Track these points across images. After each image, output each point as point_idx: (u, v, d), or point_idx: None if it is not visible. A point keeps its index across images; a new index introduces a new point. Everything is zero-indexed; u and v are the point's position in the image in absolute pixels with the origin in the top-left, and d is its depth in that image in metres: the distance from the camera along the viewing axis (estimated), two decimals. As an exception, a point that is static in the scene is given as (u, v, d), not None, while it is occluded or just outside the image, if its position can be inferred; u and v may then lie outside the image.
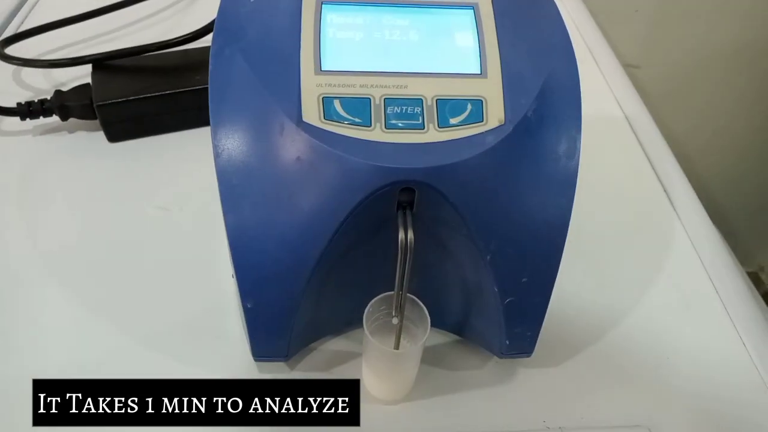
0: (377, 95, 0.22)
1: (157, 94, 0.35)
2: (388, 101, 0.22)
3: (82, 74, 0.38)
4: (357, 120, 0.22)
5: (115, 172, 0.35)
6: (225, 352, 0.27)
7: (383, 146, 0.21)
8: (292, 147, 0.21)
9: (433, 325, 0.28)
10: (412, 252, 0.21)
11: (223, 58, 0.23)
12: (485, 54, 0.23)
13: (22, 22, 0.45)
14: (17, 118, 0.36)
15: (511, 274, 0.23)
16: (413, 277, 0.23)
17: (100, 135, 0.36)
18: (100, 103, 0.34)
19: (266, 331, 0.24)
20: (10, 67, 0.40)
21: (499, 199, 0.22)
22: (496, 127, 0.22)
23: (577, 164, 0.23)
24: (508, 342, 0.25)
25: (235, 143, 0.22)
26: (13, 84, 0.40)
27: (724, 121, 1.02)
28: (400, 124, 0.22)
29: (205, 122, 0.36)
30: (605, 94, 0.44)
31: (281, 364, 0.27)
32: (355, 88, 0.22)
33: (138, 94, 0.35)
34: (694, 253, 0.33)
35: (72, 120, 0.37)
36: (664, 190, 0.37)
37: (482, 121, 0.22)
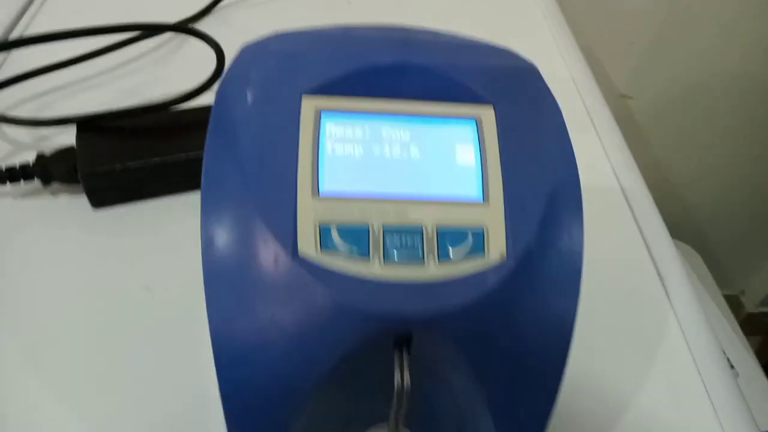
0: (376, 223, 0.21)
1: (145, 163, 0.34)
2: (387, 231, 0.21)
3: (67, 129, 0.37)
4: (355, 251, 0.21)
5: (97, 242, 0.34)
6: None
7: (381, 287, 0.20)
8: (286, 281, 0.20)
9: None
10: (409, 396, 0.21)
11: (218, 166, 0.22)
12: (487, 176, 0.23)
13: (4, 62, 0.43)
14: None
15: (508, 410, 0.23)
16: (409, 413, 0.22)
17: (84, 199, 0.35)
18: (86, 172, 0.33)
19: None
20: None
21: (500, 340, 0.21)
22: (498, 265, 0.21)
23: (578, 299, 0.22)
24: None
25: (226, 266, 0.21)
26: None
27: (712, 149, 1.03)
28: (399, 257, 0.21)
29: (195, 187, 0.35)
30: (600, 161, 0.44)
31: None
32: (353, 215, 0.21)
33: (125, 162, 0.34)
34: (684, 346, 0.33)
35: (55, 183, 0.35)
36: (659, 275, 0.37)
37: (483, 254, 0.21)
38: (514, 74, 0.25)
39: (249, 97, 0.23)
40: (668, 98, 0.94)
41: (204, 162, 0.23)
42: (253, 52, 0.25)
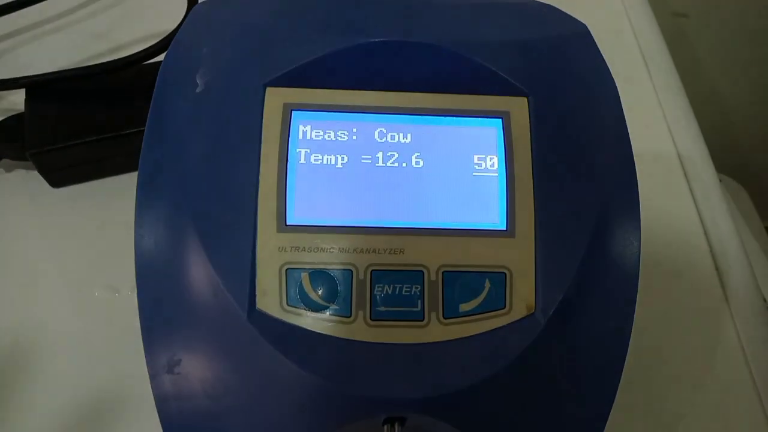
0: (362, 266, 0.16)
1: (106, 136, 0.29)
2: (377, 276, 0.16)
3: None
4: (332, 307, 0.16)
5: (57, 228, 0.29)
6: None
7: (366, 355, 0.15)
8: (240, 348, 0.16)
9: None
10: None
11: (156, 176, 0.17)
12: (513, 196, 0.17)
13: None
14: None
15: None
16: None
17: (41, 179, 0.30)
18: (34, 151, 0.28)
19: None
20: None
21: (521, 419, 0.16)
22: (522, 320, 0.16)
23: (623, 362, 0.17)
24: None
25: (165, 316, 0.16)
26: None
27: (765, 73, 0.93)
28: (391, 314, 0.16)
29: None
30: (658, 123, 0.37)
31: None
32: (332, 254, 0.16)
33: (82, 137, 0.28)
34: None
35: (7, 161, 0.30)
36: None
37: (504, 307, 0.16)
38: (557, 48, 0.18)
39: (198, 83, 0.18)
40: (729, 15, 0.83)
41: (140, 162, 0.17)
42: (206, 17, 0.19)
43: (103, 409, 0.25)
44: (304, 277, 0.16)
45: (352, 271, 0.16)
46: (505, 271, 0.16)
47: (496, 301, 0.16)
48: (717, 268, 0.31)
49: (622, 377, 0.17)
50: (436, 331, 0.16)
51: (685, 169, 0.35)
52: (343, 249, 0.16)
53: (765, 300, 0.31)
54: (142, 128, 0.29)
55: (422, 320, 0.16)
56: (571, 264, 0.16)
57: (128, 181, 0.31)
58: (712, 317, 0.30)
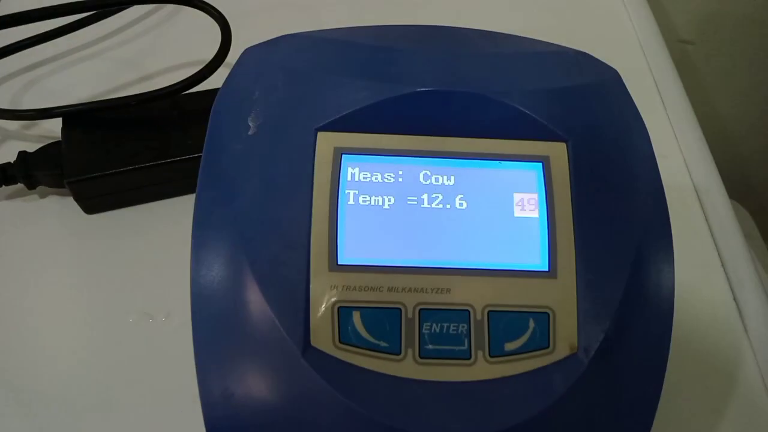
0: (410, 304, 0.17)
1: (141, 165, 0.29)
2: (425, 315, 0.17)
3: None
4: (383, 345, 0.16)
5: (90, 254, 0.30)
6: None
7: (415, 392, 0.16)
8: (294, 384, 0.16)
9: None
10: None
11: (211, 218, 0.18)
12: (555, 238, 0.18)
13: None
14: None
15: None
16: None
17: (76, 204, 0.31)
18: (72, 179, 0.29)
19: None
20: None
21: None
22: (566, 359, 0.17)
23: (661, 386, 0.18)
24: None
25: (221, 357, 0.17)
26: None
27: None
28: (439, 352, 0.17)
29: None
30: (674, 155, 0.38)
31: None
32: (381, 293, 0.17)
33: (118, 167, 0.29)
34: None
35: (41, 187, 0.31)
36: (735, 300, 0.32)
37: (548, 347, 0.17)
38: (593, 94, 0.19)
39: (251, 126, 0.18)
40: (730, 41, 0.84)
41: (195, 203, 0.18)
42: (257, 61, 0.20)
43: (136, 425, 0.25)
44: (356, 315, 0.16)
45: (401, 310, 0.17)
46: (549, 311, 0.17)
47: (541, 341, 0.17)
48: (735, 298, 0.32)
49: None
50: (482, 369, 0.16)
51: (700, 199, 0.36)
52: (392, 288, 0.17)
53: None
54: (176, 158, 0.30)
55: (469, 358, 0.16)
56: (612, 303, 0.17)
57: (161, 209, 0.32)
58: (731, 347, 0.30)
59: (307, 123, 0.18)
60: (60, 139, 0.30)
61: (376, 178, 0.18)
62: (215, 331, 0.17)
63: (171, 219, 0.31)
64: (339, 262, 0.17)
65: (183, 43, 0.38)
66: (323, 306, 0.16)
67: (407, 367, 0.16)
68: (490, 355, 0.16)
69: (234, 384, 0.16)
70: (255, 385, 0.16)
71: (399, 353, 0.16)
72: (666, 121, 0.39)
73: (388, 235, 0.17)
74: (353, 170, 0.18)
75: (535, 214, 0.18)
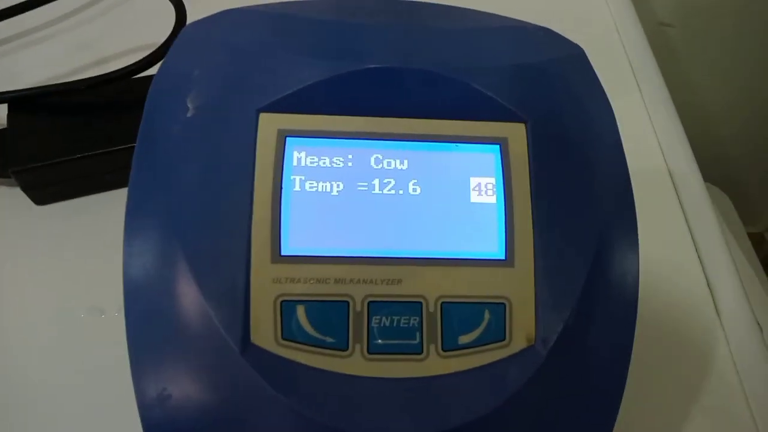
0: (358, 297, 0.16)
1: (91, 153, 0.28)
2: (374, 307, 0.16)
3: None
4: (329, 340, 0.15)
5: (41, 247, 0.28)
6: None
7: (364, 390, 0.15)
8: (232, 385, 0.15)
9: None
10: None
11: (145, 205, 0.17)
12: (513, 225, 0.17)
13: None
14: None
15: None
16: None
17: (25, 197, 0.29)
18: (16, 169, 0.27)
19: None
20: None
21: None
22: (523, 351, 0.16)
23: (626, 375, 0.17)
24: None
25: (155, 355, 0.16)
26: None
27: (746, 81, 0.95)
28: (389, 347, 0.16)
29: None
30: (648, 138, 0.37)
31: None
32: (328, 285, 0.16)
33: (67, 155, 0.28)
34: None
35: (-14, 176, 0.30)
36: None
37: (504, 339, 0.16)
38: (555, 72, 0.18)
39: (189, 107, 0.17)
40: (713, 25, 0.84)
41: (129, 188, 0.17)
42: (198, 38, 0.18)
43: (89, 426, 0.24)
44: (300, 310, 0.15)
45: (348, 303, 0.16)
46: (505, 302, 0.16)
47: (496, 333, 0.16)
48: (708, 284, 0.31)
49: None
50: (435, 364, 0.15)
51: (675, 183, 0.35)
52: (339, 280, 0.16)
53: (753, 312, 0.31)
54: (128, 145, 0.29)
55: (421, 353, 0.15)
56: (572, 293, 0.16)
57: (114, 199, 0.30)
58: (704, 332, 0.30)
59: (249, 103, 0.17)
60: (5, 127, 0.29)
61: (323, 163, 0.17)
62: (149, 327, 0.16)
63: (122, 207, 0.30)
64: (282, 253, 0.16)
65: (138, 26, 0.36)
66: (264, 300, 0.15)
67: (355, 363, 0.15)
68: (443, 349, 0.16)
69: (170, 384, 0.15)
70: (192, 385, 0.15)
71: (346, 349, 0.15)
72: (641, 104, 0.39)
73: (336, 223, 0.16)
74: (299, 154, 0.17)
75: (493, 200, 0.17)
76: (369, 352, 0.15)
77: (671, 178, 0.35)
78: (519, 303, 0.16)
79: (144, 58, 0.30)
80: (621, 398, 0.17)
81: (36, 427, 0.24)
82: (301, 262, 0.16)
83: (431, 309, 0.16)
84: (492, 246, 0.16)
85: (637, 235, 0.18)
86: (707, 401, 0.27)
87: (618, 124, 0.19)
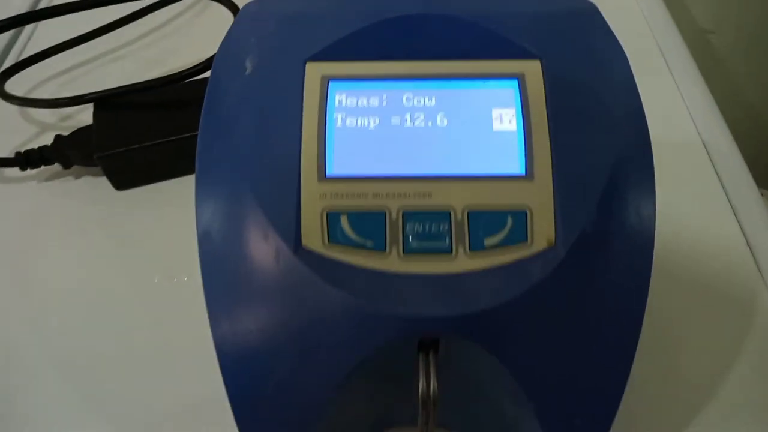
0: (394, 207, 0.18)
1: (164, 140, 0.32)
2: (408, 216, 0.18)
3: (88, 107, 0.35)
4: (368, 243, 0.18)
5: (120, 226, 0.32)
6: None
7: (400, 282, 0.17)
8: (288, 280, 0.17)
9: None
10: (437, 404, 0.18)
11: (212, 148, 0.19)
12: (532, 146, 0.19)
13: (24, 48, 0.42)
14: (21, 169, 0.33)
15: (560, 418, 0.19)
16: (440, 416, 0.19)
17: (107, 181, 0.33)
18: (101, 154, 0.31)
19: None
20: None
21: (547, 341, 0.18)
22: (544, 251, 0.18)
23: (647, 290, 0.18)
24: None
25: (223, 263, 0.18)
26: (18, 120, 0.37)
27: None
28: (422, 248, 0.18)
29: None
30: (678, 111, 0.38)
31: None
32: (366, 199, 0.18)
33: (143, 142, 0.31)
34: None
35: (77, 167, 0.34)
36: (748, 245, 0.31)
37: (526, 241, 0.18)
38: (567, 19, 0.20)
39: (247, 67, 0.20)
40: (756, 32, 0.83)
41: (198, 142, 0.20)
42: (253, 13, 0.22)
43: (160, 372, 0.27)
44: (343, 219, 0.18)
45: (385, 213, 0.18)
46: (526, 210, 0.18)
47: (519, 236, 0.18)
48: (747, 243, 0.32)
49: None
50: (463, 262, 0.17)
51: (708, 152, 0.36)
52: (376, 194, 0.18)
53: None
54: (195, 133, 0.32)
55: (450, 253, 0.17)
56: (589, 203, 0.18)
57: (183, 184, 0.34)
58: (745, 288, 0.30)
59: (297, 56, 0.20)
60: (91, 123, 0.33)
61: (361, 102, 0.19)
62: (218, 242, 0.18)
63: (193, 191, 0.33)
64: (327, 175, 0.18)
65: (206, 41, 0.41)
66: (312, 212, 0.18)
67: (392, 261, 0.17)
68: (470, 249, 0.17)
69: (238, 293, 0.18)
70: (254, 288, 0.18)
71: (384, 250, 0.17)
72: (672, 83, 0.40)
73: (373, 150, 0.19)
74: (340, 96, 0.19)
75: (513, 127, 0.19)
76: (404, 253, 0.17)
77: (705, 147, 0.36)
78: (539, 211, 0.18)
79: (205, 60, 0.34)
80: (645, 302, 0.18)
81: (125, 357, 0.28)
82: (343, 181, 0.18)
83: (459, 217, 0.18)
84: (513, 165, 0.18)
85: (651, 156, 0.19)
86: (751, 348, 0.28)
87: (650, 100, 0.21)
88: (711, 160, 0.35)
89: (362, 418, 0.22)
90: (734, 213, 0.33)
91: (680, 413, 0.25)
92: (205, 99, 0.20)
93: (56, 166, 0.33)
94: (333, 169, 0.18)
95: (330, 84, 0.19)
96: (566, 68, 0.20)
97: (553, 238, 0.17)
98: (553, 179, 0.18)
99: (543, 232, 0.18)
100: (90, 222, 0.33)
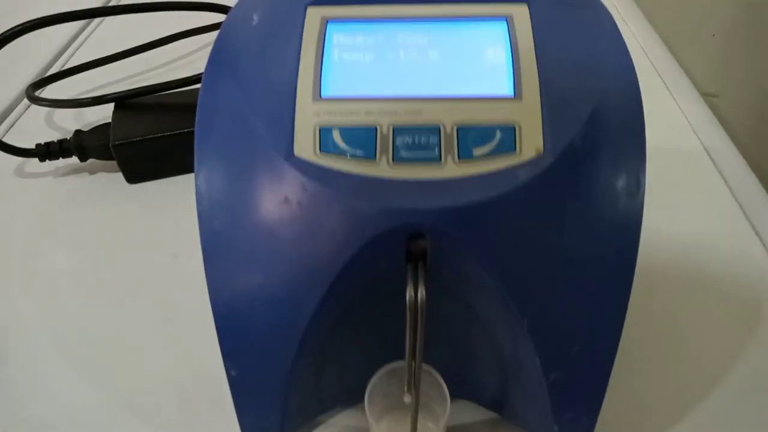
0: (385, 123, 0.18)
1: (175, 132, 0.33)
2: (398, 130, 0.18)
3: (110, 115, 0.37)
4: (359, 152, 0.18)
5: (129, 216, 0.33)
6: (217, 421, 0.24)
7: (388, 183, 0.17)
8: (280, 186, 0.18)
9: (465, 397, 0.23)
10: (425, 314, 0.17)
11: (214, 87, 0.20)
12: (520, 72, 0.19)
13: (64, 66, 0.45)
14: (40, 160, 0.35)
15: (556, 343, 0.18)
16: (433, 345, 0.19)
17: (120, 177, 0.35)
18: (117, 142, 0.32)
19: (255, 404, 0.20)
20: (42, 111, 0.40)
21: (538, 248, 0.17)
22: (533, 159, 0.18)
23: (642, 202, 0.18)
24: (557, 428, 0.20)
25: (218, 183, 0.19)
26: (45, 127, 0.39)
27: None
28: (411, 157, 0.18)
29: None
30: (681, 124, 0.39)
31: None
32: (359, 116, 0.19)
33: (155, 133, 0.33)
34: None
35: (92, 161, 0.35)
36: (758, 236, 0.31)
37: (514, 151, 0.18)
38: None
39: (254, 19, 0.22)
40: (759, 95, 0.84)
41: (201, 84, 0.21)
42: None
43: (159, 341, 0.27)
44: (335, 132, 0.18)
45: (376, 128, 0.18)
46: (515, 125, 0.18)
47: (508, 146, 0.18)
48: (758, 235, 0.31)
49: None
50: (452, 169, 0.17)
51: (711, 158, 0.36)
52: (368, 113, 0.18)
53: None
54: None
55: (440, 161, 0.18)
56: (577, 121, 0.18)
57: (188, 181, 0.35)
58: (757, 279, 0.29)
59: (299, 3, 0.21)
60: (110, 121, 0.35)
61: (357, 40, 0.20)
62: (216, 153, 0.19)
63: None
64: (322, 95, 0.19)
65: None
66: (306, 128, 0.18)
67: (382, 168, 0.17)
68: (459, 158, 0.18)
69: (229, 198, 0.18)
70: (248, 194, 0.18)
71: (374, 158, 0.18)
72: (671, 99, 0.41)
73: (367, 76, 0.19)
74: (338, 34, 0.20)
75: (502, 58, 0.20)
76: (394, 161, 0.18)
77: (708, 153, 0.36)
78: (528, 126, 0.18)
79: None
80: (641, 217, 0.18)
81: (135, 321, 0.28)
82: (336, 101, 0.19)
83: (448, 131, 0.18)
84: (502, 87, 0.19)
85: (638, 88, 0.20)
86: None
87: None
88: (714, 164, 0.35)
89: (352, 368, 0.21)
90: (743, 211, 0.32)
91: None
92: (211, 50, 0.22)
93: (74, 161, 0.35)
94: (328, 90, 0.19)
95: (329, 24, 0.20)
96: (552, 12, 0.20)
97: (542, 148, 0.18)
98: (541, 100, 0.18)
99: (532, 142, 0.18)
100: (104, 208, 0.34)
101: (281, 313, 0.18)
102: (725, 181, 0.34)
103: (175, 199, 0.34)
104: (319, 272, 0.17)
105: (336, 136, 0.18)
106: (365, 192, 0.17)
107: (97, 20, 0.51)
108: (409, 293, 0.17)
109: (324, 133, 0.18)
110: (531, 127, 0.18)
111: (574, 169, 0.18)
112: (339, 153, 0.18)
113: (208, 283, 0.19)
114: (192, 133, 0.32)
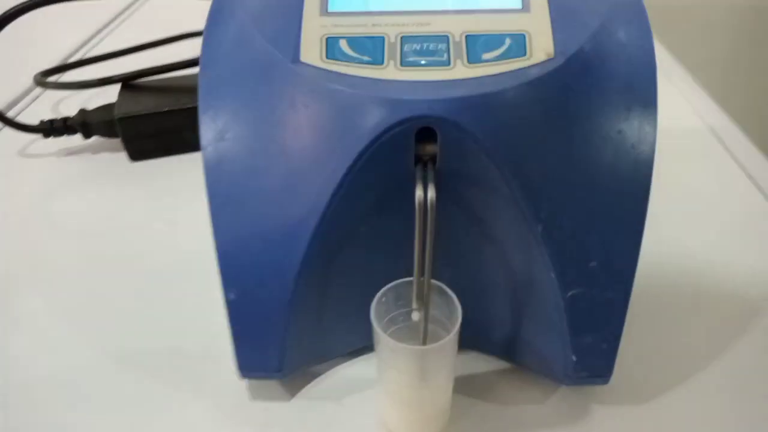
0: (393, 33, 0.18)
1: (178, 108, 0.33)
2: (406, 39, 0.18)
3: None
4: (366, 58, 0.18)
5: (131, 193, 0.32)
6: (211, 374, 0.22)
7: (396, 83, 0.17)
8: (285, 88, 0.17)
9: (475, 347, 0.22)
10: (434, 216, 0.16)
11: (223, 11, 0.20)
12: (529, -4, 0.19)
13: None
14: (45, 140, 0.35)
15: (573, 255, 0.17)
16: (442, 267, 0.18)
17: (123, 156, 0.34)
18: (121, 116, 0.32)
19: (254, 332, 0.19)
20: (53, 97, 0.40)
21: (549, 148, 0.17)
22: (543, 62, 0.17)
23: (656, 116, 0.18)
24: (574, 358, 0.19)
25: (221, 87, 0.18)
26: (55, 112, 0.39)
27: None
28: (420, 62, 0.18)
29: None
30: (679, 104, 0.39)
31: (278, 390, 0.22)
32: (366, 28, 0.18)
33: (159, 109, 0.33)
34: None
35: (96, 139, 0.35)
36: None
37: (525, 55, 0.17)
38: None
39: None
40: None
41: (207, 18, 0.21)
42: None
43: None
44: (342, 42, 0.18)
45: (384, 37, 0.18)
46: (525, 33, 0.18)
47: (518, 51, 0.17)
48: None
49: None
50: (461, 71, 0.17)
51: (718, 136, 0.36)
52: (376, 24, 0.18)
53: None
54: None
55: (449, 65, 0.17)
56: (586, 30, 0.18)
57: (193, 159, 0.34)
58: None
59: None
60: (115, 102, 0.35)
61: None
62: (220, 63, 0.18)
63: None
64: (329, 10, 0.19)
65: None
66: (313, 38, 0.18)
67: (389, 72, 0.17)
68: (468, 62, 0.17)
69: (233, 106, 0.18)
70: (251, 95, 0.18)
71: (382, 63, 0.17)
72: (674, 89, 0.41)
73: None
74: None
75: (510, -16, 0.20)
76: (402, 65, 0.17)
77: (713, 132, 0.36)
78: (537, 34, 0.18)
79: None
80: (655, 126, 0.17)
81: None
82: (344, 15, 0.19)
83: (457, 39, 0.18)
84: (511, 1, 0.19)
85: (644, 10, 0.19)
86: None
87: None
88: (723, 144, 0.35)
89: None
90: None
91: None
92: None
93: (78, 140, 0.35)
94: (335, 5, 0.19)
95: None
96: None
97: (552, 52, 0.17)
98: (549, 12, 0.18)
99: (542, 47, 0.17)
100: (108, 181, 0.33)
101: (285, 225, 0.17)
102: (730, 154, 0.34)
103: (175, 177, 0.33)
104: (326, 174, 0.17)
105: (343, 44, 0.18)
106: (370, 88, 0.16)
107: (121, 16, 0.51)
108: (418, 193, 0.16)
109: (331, 42, 0.18)
110: (541, 35, 0.18)
111: (586, 73, 0.17)
112: (346, 60, 0.18)
113: (208, 190, 0.18)
114: (194, 109, 0.33)
